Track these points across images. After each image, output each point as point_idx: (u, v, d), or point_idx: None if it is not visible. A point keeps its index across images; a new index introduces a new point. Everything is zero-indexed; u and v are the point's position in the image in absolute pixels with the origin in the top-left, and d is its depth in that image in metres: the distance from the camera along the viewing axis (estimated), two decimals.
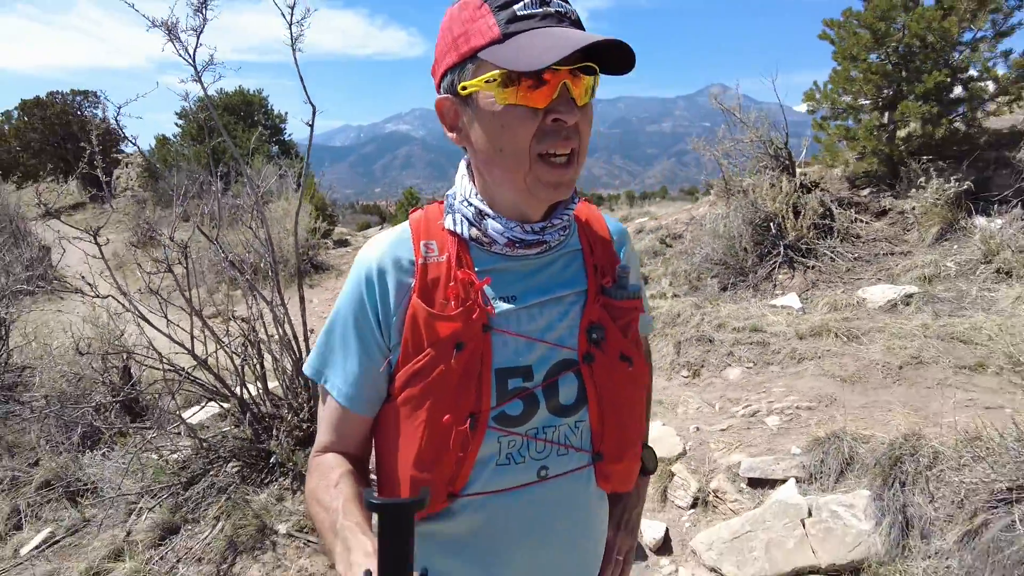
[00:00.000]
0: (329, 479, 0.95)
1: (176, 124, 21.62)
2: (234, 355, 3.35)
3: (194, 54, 3.21)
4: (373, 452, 1.07)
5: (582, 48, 0.82)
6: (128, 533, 3.18)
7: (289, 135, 24.33)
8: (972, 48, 5.37)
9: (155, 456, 3.54)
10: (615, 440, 1.02)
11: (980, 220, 4.60)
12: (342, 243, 11.61)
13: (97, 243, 3.24)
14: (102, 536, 3.25)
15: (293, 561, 2.69)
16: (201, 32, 3.22)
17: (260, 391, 3.41)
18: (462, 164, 1.03)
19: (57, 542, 3.44)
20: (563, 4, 0.89)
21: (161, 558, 2.99)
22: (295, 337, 3.58)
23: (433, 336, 0.93)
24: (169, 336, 3.25)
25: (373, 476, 1.08)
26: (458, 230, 0.98)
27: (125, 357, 4.15)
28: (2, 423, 4.29)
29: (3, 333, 5.42)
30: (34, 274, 7.61)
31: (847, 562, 2.39)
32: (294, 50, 3.07)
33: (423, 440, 0.94)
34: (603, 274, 1.04)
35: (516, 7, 0.86)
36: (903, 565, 2.30)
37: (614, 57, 0.88)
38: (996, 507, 2.17)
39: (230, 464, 3.36)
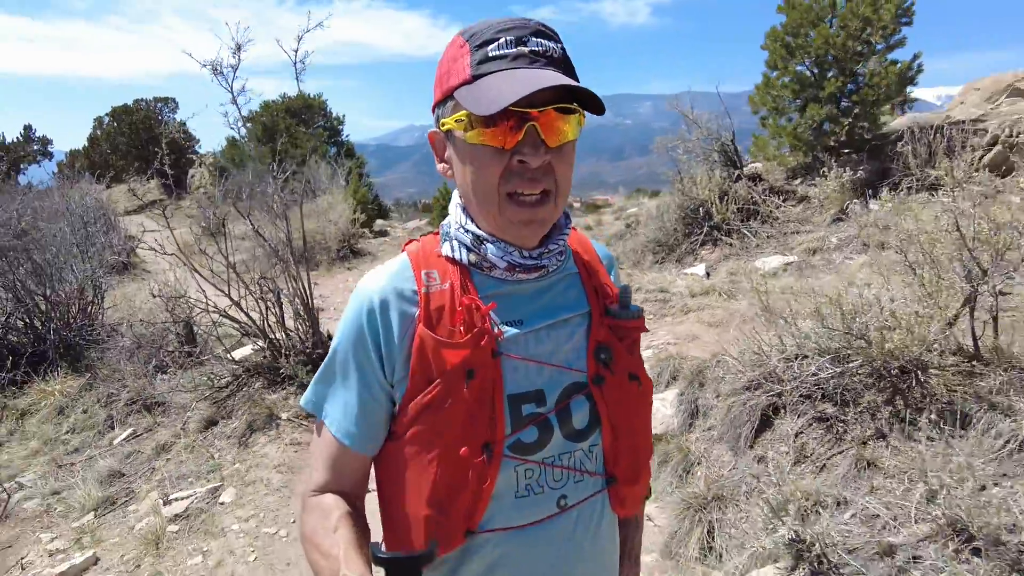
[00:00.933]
0: (328, 523, 0.92)
1: (243, 126, 23.55)
2: (259, 300, 4.61)
3: (232, 85, 4.49)
4: (376, 494, 1.03)
5: (567, 88, 0.83)
6: (183, 425, 4.49)
7: (346, 136, 25.90)
8: (865, 60, 6.15)
9: (204, 377, 4.85)
10: (629, 462, 1.01)
11: (873, 204, 5.40)
12: (382, 233, 12.95)
13: (170, 228, 4.57)
14: (166, 431, 4.57)
15: (288, 434, 3.92)
16: (237, 67, 4.49)
17: (277, 325, 4.67)
18: (455, 193, 1.02)
19: (137, 436, 4.78)
20: (542, 43, 0.88)
21: (204, 439, 4.27)
22: (306, 292, 4.81)
23: (442, 365, 0.91)
24: (213, 284, 4.54)
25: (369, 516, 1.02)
26: (457, 256, 0.97)
27: (187, 308, 5.49)
28: (102, 360, 5.71)
29: (100, 298, 6.93)
30: (120, 257, 9.21)
31: (654, 434, 3.42)
32: (298, 82, 4.30)
33: (437, 476, 0.91)
34: (602, 296, 1.04)
35: (490, 48, 0.87)
36: (688, 435, 3.32)
37: (592, 97, 0.87)
38: (742, 394, 3.17)
39: (255, 380, 4.63)
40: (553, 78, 0.82)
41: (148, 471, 4.05)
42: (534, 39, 0.87)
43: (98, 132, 30.42)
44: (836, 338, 2.80)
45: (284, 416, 4.12)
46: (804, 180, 6.47)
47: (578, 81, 0.88)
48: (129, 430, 4.84)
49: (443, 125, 0.92)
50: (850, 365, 2.77)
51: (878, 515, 2.26)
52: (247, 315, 4.57)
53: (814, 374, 2.83)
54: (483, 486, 0.91)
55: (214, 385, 4.69)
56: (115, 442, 4.73)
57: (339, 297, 8.30)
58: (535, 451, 0.93)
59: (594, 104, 0.87)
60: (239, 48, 4.42)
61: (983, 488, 2.23)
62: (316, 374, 1.02)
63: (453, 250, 0.98)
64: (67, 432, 4.98)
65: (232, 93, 4.45)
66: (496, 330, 0.93)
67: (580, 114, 0.88)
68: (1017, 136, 5.21)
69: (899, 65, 6.19)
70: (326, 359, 1.00)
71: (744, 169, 6.49)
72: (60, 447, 4.73)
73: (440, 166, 0.98)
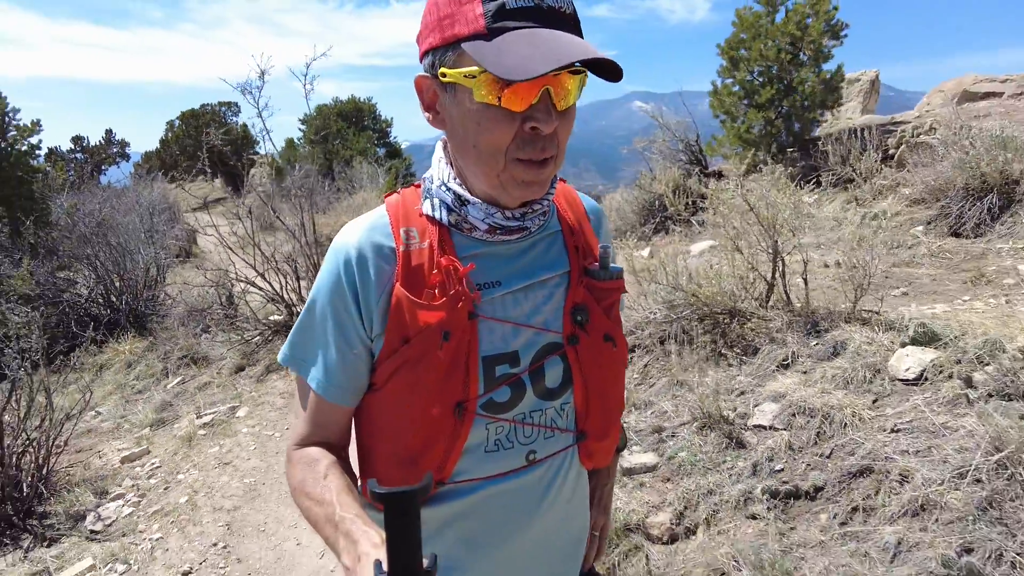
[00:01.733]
0: (316, 471, 0.93)
1: (299, 128, 25.24)
2: (278, 272, 5.80)
3: (257, 101, 5.67)
4: (353, 440, 1.04)
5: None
6: (219, 371, 5.71)
7: (394, 138, 27.28)
8: (798, 70, 6.86)
9: (237, 335, 6.07)
10: (599, 419, 1.03)
11: (806, 197, 6.16)
12: None
13: (238, 219, 5.78)
14: (206, 376, 5.79)
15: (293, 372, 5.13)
16: (261, 88, 5.67)
17: (293, 292, 5.85)
18: (438, 146, 1.00)
19: (185, 382, 6.04)
20: (560, 0, 0.83)
21: (233, 380, 5.47)
22: (315, 266, 5.98)
23: (418, 326, 0.91)
24: (244, 260, 5.74)
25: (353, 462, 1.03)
26: (437, 215, 0.96)
27: (229, 282, 6.74)
28: (161, 325, 7.03)
29: (162, 277, 8.32)
30: (179, 242, 10.69)
31: None
32: (307, 101, 5.44)
33: (410, 431, 0.93)
34: (584, 255, 1.03)
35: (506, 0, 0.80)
36: None
37: (606, 62, 0.82)
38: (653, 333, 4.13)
39: (277, 337, 5.82)
40: (583, 48, 0.79)
41: (190, 402, 5.27)
42: None
43: (169, 135, 32.80)
44: (666, 292, 3.75)
45: None
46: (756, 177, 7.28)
47: (582, 36, 0.85)
48: (179, 378, 6.11)
49: (443, 75, 0.85)
50: (680, 311, 3.70)
51: (667, 411, 3.21)
52: (270, 284, 5.76)
53: (653, 315, 3.77)
54: (454, 444, 0.93)
55: (244, 340, 5.91)
56: (168, 386, 6.00)
57: None
58: (507, 410, 0.95)
59: (608, 70, 0.84)
60: (263, 74, 5.59)
61: (742, 393, 3.16)
62: (293, 329, 1.01)
63: (433, 208, 0.96)
64: (133, 379, 6.28)
65: (258, 109, 5.63)
66: (473, 292, 0.93)
67: (584, 74, 0.86)
68: (917, 136, 5.85)
69: (827, 74, 6.91)
70: (302, 313, 0.99)
71: (710, 167, 7.32)
72: (128, 389, 6.03)
73: (427, 115, 0.93)
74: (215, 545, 3.27)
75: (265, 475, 3.85)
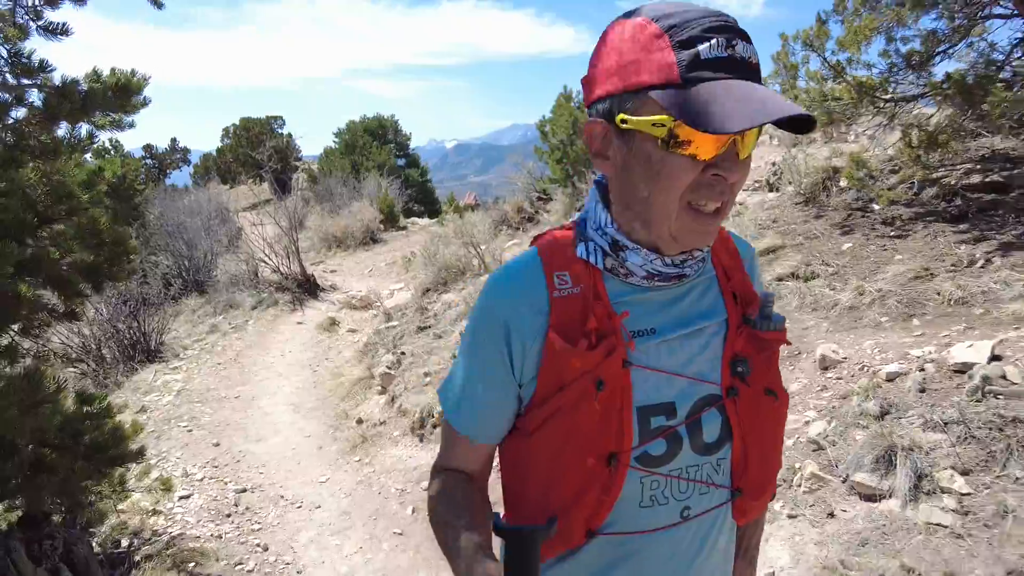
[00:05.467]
0: (453, 497, 0.97)
1: (333, 141, 29.54)
2: (276, 255, 10.01)
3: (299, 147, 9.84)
4: (500, 476, 1.04)
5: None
6: (245, 312, 9.91)
7: (413, 149, 31.39)
8: None
9: (256, 291, 10.30)
10: (757, 476, 1.00)
11: None
12: (402, 228, 18.23)
13: (273, 220, 10.01)
14: (238, 313, 9.98)
15: (279, 307, 9.28)
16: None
17: (285, 266, 10.07)
18: (593, 189, 0.99)
19: (226, 318, 10.25)
20: (748, 48, 0.82)
21: (253, 315, 9.67)
22: (296, 251, 10.12)
23: (572, 373, 0.91)
24: (261, 239, 9.98)
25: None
26: (592, 260, 0.95)
27: (256, 260, 10.97)
28: (213, 289, 11.31)
29: (215, 260, 12.64)
30: (228, 237, 15.11)
31: None
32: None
33: (561, 480, 0.93)
34: (743, 302, 1.02)
35: (701, 48, 0.79)
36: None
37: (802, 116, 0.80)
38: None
39: (281, 293, 10.04)
40: (782, 104, 0.77)
41: (227, 328, 9.46)
42: (741, 43, 0.81)
43: (224, 143, 37.59)
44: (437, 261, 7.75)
45: (280, 302, 9.48)
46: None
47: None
48: (222, 317, 10.34)
49: (623, 122, 0.84)
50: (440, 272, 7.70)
51: None
52: (275, 260, 9.98)
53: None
54: (607, 495, 0.92)
55: (261, 295, 10.14)
56: (216, 322, 10.23)
57: (352, 267, 13.51)
58: (663, 464, 0.94)
59: (794, 122, 0.81)
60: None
61: None
62: (450, 369, 1.04)
63: (588, 252, 0.96)
64: (196, 320, 10.54)
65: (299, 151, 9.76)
66: (628, 340, 0.92)
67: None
68: None
69: None
70: (457, 354, 1.02)
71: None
72: (192, 326, 10.27)
73: (598, 162, 0.92)
74: (231, 362, 7.44)
75: (254, 345, 8.01)
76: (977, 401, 3.13)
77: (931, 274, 4.79)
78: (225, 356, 7.94)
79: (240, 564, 3.75)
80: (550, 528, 0.76)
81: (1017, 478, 2.81)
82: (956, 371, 3.41)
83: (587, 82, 0.92)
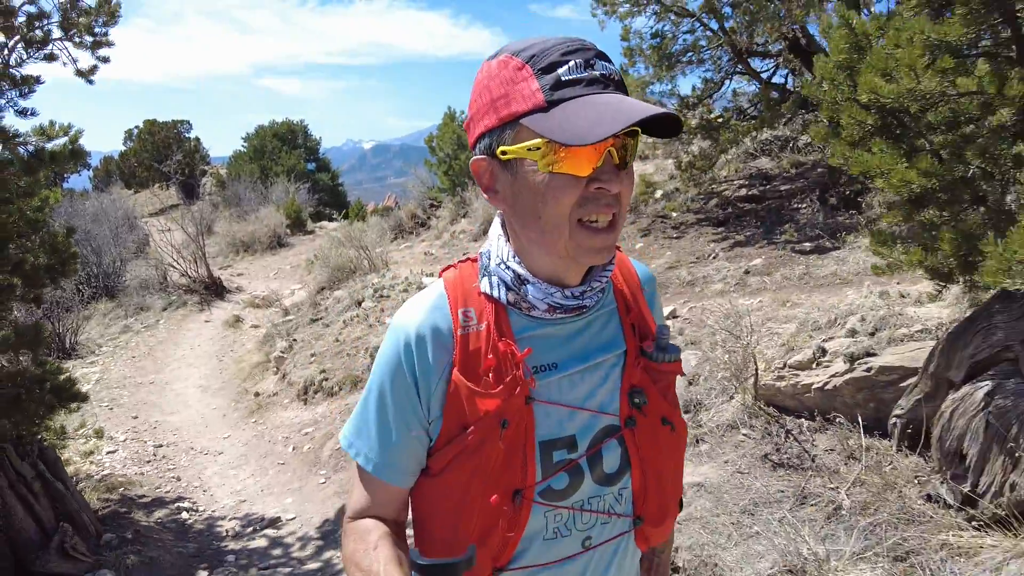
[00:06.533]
0: (367, 542, 0.96)
1: (242, 145, 29.75)
2: (184, 259, 11.04)
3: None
4: (410, 514, 1.06)
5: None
6: (156, 312, 10.86)
7: (323, 153, 31.98)
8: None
9: (167, 294, 11.26)
10: (656, 504, 1.03)
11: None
12: (309, 232, 19.22)
13: (181, 226, 10.97)
14: (150, 315, 10.92)
15: (187, 309, 10.36)
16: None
17: (193, 269, 11.12)
18: (496, 222, 1.02)
19: (129, 327, 11.15)
20: (607, 66, 0.87)
21: (164, 317, 10.67)
22: (204, 256, 11.17)
23: (476, 413, 0.93)
24: (169, 244, 10.98)
25: (410, 535, 1.06)
26: (495, 295, 0.97)
27: (163, 265, 11.90)
28: (123, 293, 12.12)
29: (124, 266, 13.39)
30: (138, 244, 15.76)
31: None
32: None
33: (469, 519, 0.94)
34: (640, 334, 1.04)
35: (560, 71, 0.84)
36: None
37: (661, 120, 0.86)
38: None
39: (188, 295, 11.06)
40: (644, 107, 0.82)
41: (140, 328, 10.40)
42: (599, 62, 0.86)
43: (127, 145, 36.64)
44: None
45: (189, 303, 10.55)
46: None
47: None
48: (134, 319, 11.23)
49: (503, 154, 0.88)
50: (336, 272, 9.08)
51: None
52: (183, 265, 11.00)
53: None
54: (512, 532, 0.94)
55: (171, 297, 11.12)
56: (128, 323, 11.11)
57: (258, 271, 14.51)
58: (566, 497, 0.96)
59: (661, 128, 0.88)
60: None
61: None
62: (354, 411, 1.03)
63: (492, 287, 0.97)
64: (108, 323, 11.37)
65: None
66: (529, 377, 0.93)
67: (639, 133, 0.89)
68: None
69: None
70: (363, 395, 1.01)
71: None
72: (105, 328, 11.10)
73: (489, 196, 0.95)
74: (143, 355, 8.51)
75: (165, 340, 9.08)
76: None
77: (680, 264, 6.61)
78: (139, 351, 9.00)
79: (159, 488, 5.05)
80: (470, 558, 0.77)
81: None
82: None
83: (468, 125, 0.95)
